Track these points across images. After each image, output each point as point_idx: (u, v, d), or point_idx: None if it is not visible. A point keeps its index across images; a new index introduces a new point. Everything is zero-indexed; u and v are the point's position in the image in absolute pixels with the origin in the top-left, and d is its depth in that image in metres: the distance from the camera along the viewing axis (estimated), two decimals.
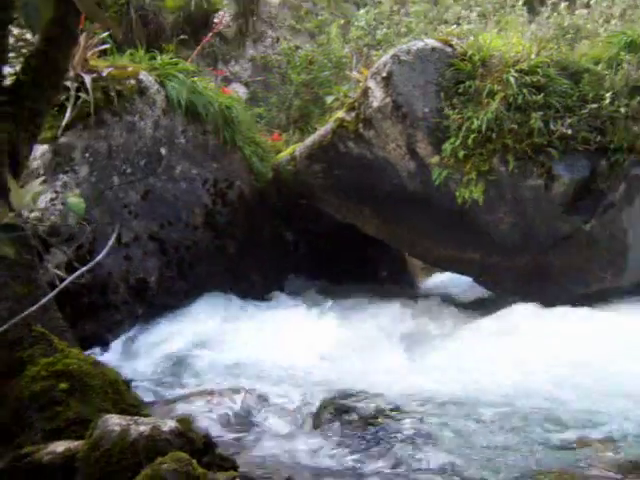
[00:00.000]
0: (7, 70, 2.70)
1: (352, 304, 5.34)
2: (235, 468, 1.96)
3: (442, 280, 6.95)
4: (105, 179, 4.59)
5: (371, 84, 4.97)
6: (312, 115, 7.33)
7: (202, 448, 1.91)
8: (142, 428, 1.81)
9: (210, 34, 6.91)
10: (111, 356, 4.11)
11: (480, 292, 5.83)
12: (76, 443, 1.86)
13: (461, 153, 4.68)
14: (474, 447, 2.48)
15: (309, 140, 5.63)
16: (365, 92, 5.03)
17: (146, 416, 2.11)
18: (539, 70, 4.74)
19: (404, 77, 4.83)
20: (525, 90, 4.64)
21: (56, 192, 4.30)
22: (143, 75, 4.93)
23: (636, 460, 2.33)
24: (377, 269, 6.72)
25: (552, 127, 4.64)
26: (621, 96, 4.68)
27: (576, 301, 4.65)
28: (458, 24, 6.51)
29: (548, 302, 4.68)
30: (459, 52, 4.96)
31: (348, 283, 6.00)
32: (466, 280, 5.93)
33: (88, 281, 4.18)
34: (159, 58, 5.30)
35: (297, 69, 7.72)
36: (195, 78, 5.38)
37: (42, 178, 3.43)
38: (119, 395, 2.23)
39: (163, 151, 4.98)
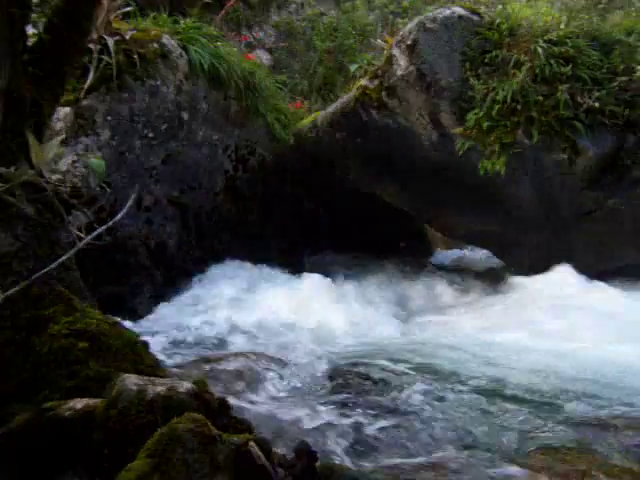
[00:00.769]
0: (30, 30, 2.69)
1: (370, 275, 5.34)
2: (250, 431, 1.98)
3: (461, 252, 6.92)
4: (126, 143, 4.59)
5: (395, 52, 4.90)
6: (335, 83, 7.27)
7: (217, 410, 1.94)
8: (159, 388, 1.84)
9: None
10: (130, 318, 4.15)
11: (499, 265, 5.80)
12: (95, 400, 1.89)
13: (485, 124, 4.62)
14: (487, 420, 2.49)
15: (331, 108, 5.58)
16: (389, 60, 4.97)
17: (163, 377, 2.14)
18: (568, 41, 4.63)
19: (429, 45, 4.75)
20: (553, 61, 4.54)
21: (78, 155, 4.32)
22: (166, 39, 4.90)
23: None
24: (396, 240, 6.70)
25: (579, 100, 4.54)
26: None
27: (597, 277, 4.61)
28: None
29: None
30: (486, 21, 4.86)
31: (367, 253, 6.00)
32: (485, 253, 5.91)
33: (109, 243, 4.22)
34: (182, 22, 5.26)
35: (321, 36, 7.64)
36: (218, 43, 5.33)
37: (62, 137, 3.44)
38: (137, 356, 2.26)
39: (185, 116, 4.97)
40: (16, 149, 2.09)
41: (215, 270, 5.05)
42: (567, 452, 2.16)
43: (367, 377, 2.86)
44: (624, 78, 4.57)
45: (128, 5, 4.97)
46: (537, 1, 5.37)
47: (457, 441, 2.29)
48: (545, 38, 4.62)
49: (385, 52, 5.20)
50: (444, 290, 5.28)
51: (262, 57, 7.82)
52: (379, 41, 6.16)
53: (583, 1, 5.63)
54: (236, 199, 5.38)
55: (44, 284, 2.15)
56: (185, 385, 1.89)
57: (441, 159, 4.98)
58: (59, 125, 4.32)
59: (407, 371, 2.97)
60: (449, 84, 4.76)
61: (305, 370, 3.06)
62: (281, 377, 2.94)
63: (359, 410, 2.48)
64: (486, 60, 4.72)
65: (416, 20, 4.94)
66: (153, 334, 3.92)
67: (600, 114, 4.56)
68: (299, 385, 2.84)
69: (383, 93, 5.00)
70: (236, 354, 3.30)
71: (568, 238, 4.88)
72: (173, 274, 4.84)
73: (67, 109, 4.39)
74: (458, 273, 5.93)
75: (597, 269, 4.75)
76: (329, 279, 5.04)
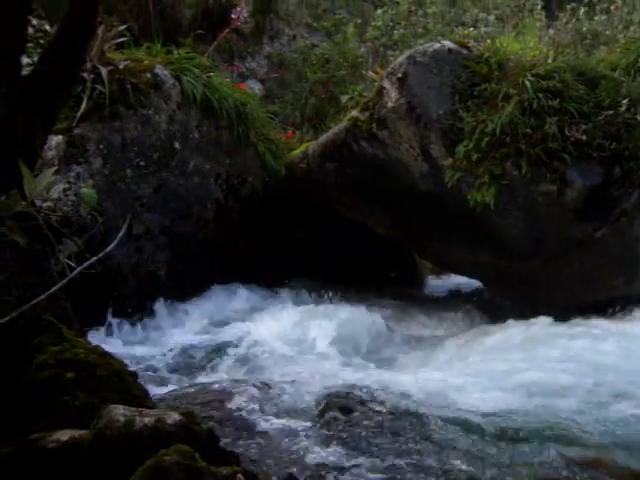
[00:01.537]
0: (25, 60, 2.72)
1: (358, 303, 5.34)
2: (238, 463, 1.96)
3: (452, 282, 6.93)
4: (118, 171, 4.61)
5: (386, 84, 4.96)
6: (327, 114, 7.34)
7: (205, 442, 1.92)
8: (147, 419, 1.82)
9: (227, 30, 6.93)
10: (118, 346, 4.13)
11: (488, 296, 5.81)
12: (81, 432, 1.87)
13: (474, 156, 4.67)
14: (479, 453, 2.48)
15: (322, 138, 5.63)
16: (380, 92, 5.03)
17: (151, 407, 2.12)
18: (555, 75, 4.71)
19: (419, 78, 4.82)
20: (541, 95, 4.61)
21: (69, 183, 4.33)
22: (159, 69, 4.95)
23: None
24: (387, 270, 6.70)
25: (567, 133, 4.61)
26: (637, 103, 4.64)
27: (586, 309, 4.64)
28: (475, 26, 6.48)
29: (557, 308, 4.66)
30: (475, 54, 4.95)
31: (357, 283, 6.00)
32: (476, 283, 5.92)
33: (99, 272, 4.21)
34: (175, 52, 5.32)
35: (313, 67, 7.73)
36: (211, 73, 5.39)
37: (55, 167, 3.46)
38: (125, 386, 2.24)
39: (177, 145, 5.00)
40: (8, 179, 2.10)
41: (204, 298, 5.04)
42: None
43: (355, 407, 2.85)
44: (610, 112, 4.65)
45: (122, 35, 5.04)
46: (525, 35, 5.48)
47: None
48: (533, 72, 4.70)
49: (376, 84, 5.27)
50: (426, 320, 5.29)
51: (254, 87, 7.90)
52: (370, 73, 6.25)
53: (569, 36, 5.74)
54: (227, 228, 5.38)
55: (32, 314, 2.14)
56: (173, 416, 1.87)
57: (431, 190, 5.01)
58: (51, 153, 4.34)
59: (395, 401, 2.96)
60: (439, 116, 4.82)
61: (292, 400, 3.04)
62: (267, 407, 2.92)
63: (348, 445, 2.46)
64: (475, 93, 4.79)
65: (407, 53, 5.02)
66: (141, 362, 3.90)
67: (587, 147, 4.63)
68: (286, 416, 2.82)
69: (374, 125, 5.06)
70: (225, 383, 3.28)
71: (557, 269, 4.90)
72: (162, 302, 4.82)
73: (59, 137, 4.41)
74: (447, 302, 5.95)
75: (586, 300, 4.77)
76: (317, 307, 5.04)
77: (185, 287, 5.00)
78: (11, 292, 2.23)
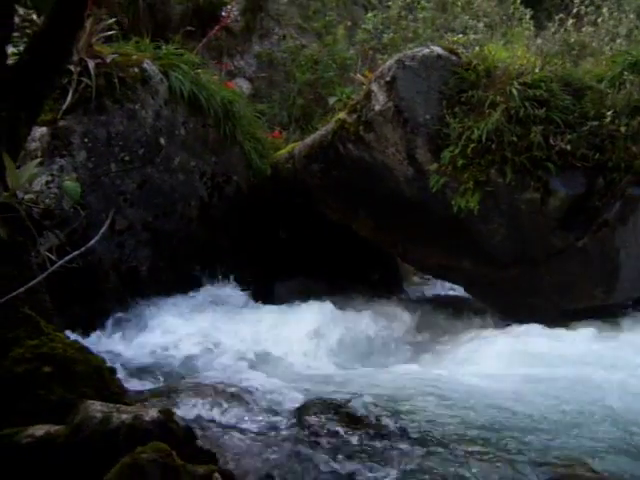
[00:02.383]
0: (11, 50, 2.69)
1: (340, 303, 5.35)
2: (215, 462, 1.96)
3: (434, 286, 6.96)
4: (102, 165, 4.57)
5: (374, 87, 4.97)
6: (314, 115, 7.34)
7: (183, 440, 1.91)
8: (124, 416, 1.81)
9: (217, 27, 6.91)
10: (97, 343, 4.09)
11: (469, 301, 5.84)
12: (57, 427, 1.85)
13: (460, 162, 4.69)
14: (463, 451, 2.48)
15: (309, 139, 5.63)
16: (368, 95, 5.04)
17: (129, 404, 2.11)
18: (542, 84, 4.75)
19: (407, 83, 4.84)
20: (527, 103, 4.65)
21: (52, 175, 4.29)
22: (147, 64, 4.92)
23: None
24: (369, 272, 6.72)
25: (552, 142, 4.64)
26: (622, 115, 4.69)
27: (565, 317, 4.67)
28: (465, 33, 6.53)
29: (536, 316, 4.69)
30: (464, 61, 4.97)
31: (339, 284, 6.00)
32: (457, 288, 5.95)
33: (80, 266, 4.17)
34: (164, 48, 5.29)
35: (302, 68, 7.72)
36: (199, 70, 5.37)
37: (39, 160, 3.42)
38: (103, 382, 2.23)
39: (162, 141, 4.97)
40: None
41: (186, 296, 5.00)
42: None
43: (336, 408, 2.84)
44: (595, 123, 4.69)
45: (111, 29, 5.00)
46: (513, 44, 5.52)
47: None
48: (520, 81, 4.73)
49: (364, 87, 5.28)
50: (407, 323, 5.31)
51: (242, 86, 7.88)
52: (359, 75, 6.26)
53: (557, 47, 5.79)
54: (210, 226, 5.36)
55: (10, 306, 2.12)
56: (151, 413, 1.86)
57: (415, 194, 5.03)
58: (34, 145, 4.29)
59: (376, 401, 2.96)
60: (426, 121, 4.83)
61: (273, 400, 3.03)
62: (247, 408, 2.91)
63: (326, 446, 2.46)
64: (463, 99, 4.82)
65: (395, 57, 5.03)
66: (120, 359, 3.87)
67: (572, 157, 4.67)
68: (266, 417, 2.81)
69: (361, 127, 5.06)
70: (203, 383, 3.26)
71: (538, 276, 4.94)
72: (143, 299, 4.79)
73: (43, 129, 4.37)
74: (428, 306, 5.97)
75: (566, 308, 4.81)
76: (299, 308, 5.02)
77: (166, 284, 4.96)
78: None
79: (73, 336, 2.53)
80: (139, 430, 1.78)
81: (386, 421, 2.72)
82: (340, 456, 2.37)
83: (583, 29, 6.44)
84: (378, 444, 2.48)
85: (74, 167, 4.41)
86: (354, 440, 2.53)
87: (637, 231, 4.73)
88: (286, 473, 2.24)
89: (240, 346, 4.24)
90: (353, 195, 5.44)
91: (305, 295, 5.72)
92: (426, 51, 4.96)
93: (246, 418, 2.80)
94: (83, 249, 2.06)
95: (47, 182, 4.25)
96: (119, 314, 4.58)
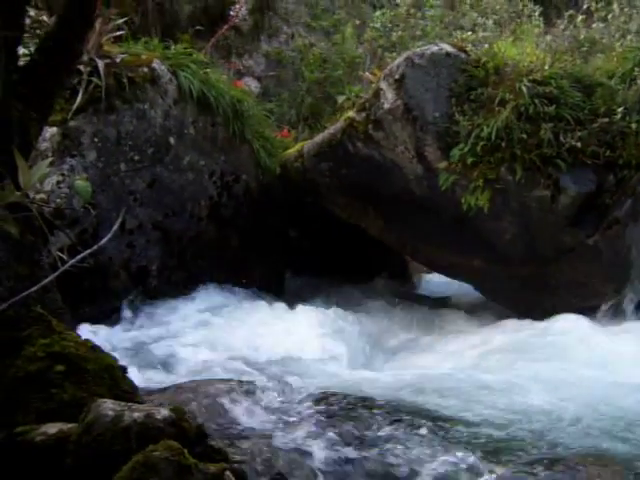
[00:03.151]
0: (22, 51, 2.70)
1: (350, 302, 5.35)
2: (227, 460, 1.96)
3: (443, 282, 6.93)
4: (112, 165, 4.59)
5: (383, 85, 4.96)
6: (323, 113, 7.33)
7: (194, 438, 1.91)
8: (136, 415, 1.82)
9: (225, 27, 6.92)
10: (107, 340, 4.11)
11: (479, 298, 5.82)
12: (69, 426, 1.86)
13: (469, 160, 4.68)
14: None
15: (318, 138, 5.62)
16: (377, 93, 5.03)
17: (140, 403, 2.11)
18: (552, 81, 4.72)
19: (416, 80, 4.83)
20: (537, 100, 4.63)
21: (63, 175, 4.31)
22: (156, 64, 4.93)
23: None
24: (379, 270, 6.72)
25: (562, 139, 4.62)
26: (633, 112, 4.66)
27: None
28: (473, 31, 6.49)
29: (548, 314, 4.67)
30: (473, 58, 4.96)
31: (349, 282, 6.01)
32: (466, 285, 5.93)
33: (90, 266, 4.19)
34: (173, 48, 5.31)
35: (310, 67, 7.72)
36: (208, 70, 5.38)
37: (50, 159, 3.44)
38: (114, 381, 2.23)
39: (172, 141, 4.98)
40: (3, 169, 2.09)
41: (195, 295, 5.02)
42: None
43: (348, 410, 2.84)
44: (605, 120, 4.66)
45: (120, 29, 5.02)
46: (522, 41, 5.49)
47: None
48: (530, 78, 4.71)
49: (373, 85, 5.28)
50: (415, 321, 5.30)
51: (251, 85, 7.89)
52: (367, 74, 6.25)
53: (567, 43, 5.76)
54: (220, 225, 5.37)
55: (22, 305, 2.13)
56: (162, 412, 1.86)
57: (425, 193, 5.02)
58: (45, 145, 4.31)
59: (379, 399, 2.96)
60: (435, 119, 4.82)
61: (279, 398, 3.03)
62: (258, 406, 2.91)
63: (337, 441, 2.46)
64: (472, 97, 4.80)
65: (404, 55, 5.02)
66: (130, 358, 3.88)
67: (582, 154, 4.64)
68: (273, 414, 2.82)
69: (370, 126, 5.06)
70: (214, 381, 3.26)
71: (549, 274, 4.92)
72: (153, 298, 4.81)
73: (54, 129, 4.39)
74: (438, 303, 5.96)
75: (578, 306, 4.78)
76: (309, 306, 5.03)
77: (176, 283, 4.99)
78: (1, 283, 2.22)
79: (84, 334, 2.54)
80: (151, 428, 1.78)
81: (401, 418, 2.71)
82: (354, 454, 2.37)
83: (593, 25, 6.39)
84: (393, 442, 2.48)
85: (84, 167, 4.43)
86: (368, 439, 2.52)
87: None
88: (298, 471, 2.25)
89: (250, 345, 4.24)
90: (362, 194, 5.43)
91: (315, 294, 5.74)
92: (435, 49, 4.95)
93: (258, 416, 2.80)
94: (95, 247, 2.07)
95: (58, 182, 4.27)
96: (129, 313, 4.60)
